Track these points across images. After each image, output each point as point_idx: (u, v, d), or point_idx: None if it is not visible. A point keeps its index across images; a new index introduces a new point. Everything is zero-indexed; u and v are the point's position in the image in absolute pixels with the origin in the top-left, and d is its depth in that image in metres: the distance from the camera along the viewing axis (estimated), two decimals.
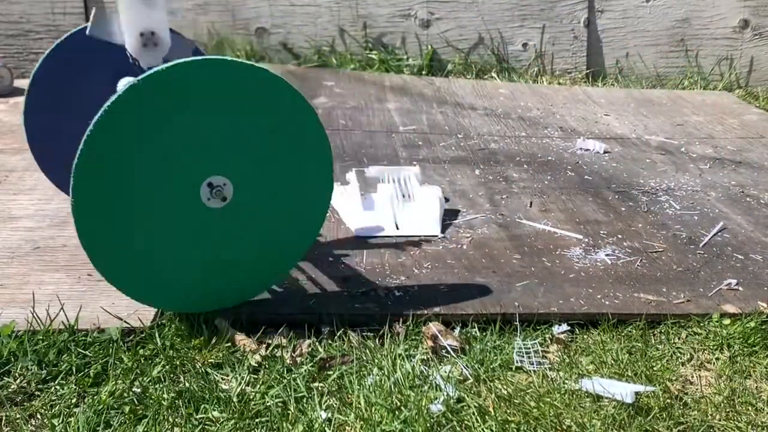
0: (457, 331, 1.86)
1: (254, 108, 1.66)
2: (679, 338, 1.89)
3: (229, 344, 1.77)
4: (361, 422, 1.54)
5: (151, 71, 1.57)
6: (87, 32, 1.92)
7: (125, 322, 1.79)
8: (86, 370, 1.67)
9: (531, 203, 2.54)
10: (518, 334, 1.85)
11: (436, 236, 2.27)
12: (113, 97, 1.55)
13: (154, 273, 1.71)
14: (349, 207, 2.36)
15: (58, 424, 1.52)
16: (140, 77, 1.56)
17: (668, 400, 1.64)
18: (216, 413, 1.56)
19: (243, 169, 1.69)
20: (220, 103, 1.63)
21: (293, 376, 1.67)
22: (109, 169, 1.58)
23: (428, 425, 1.53)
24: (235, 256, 1.76)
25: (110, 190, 1.60)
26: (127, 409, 1.56)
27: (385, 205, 2.35)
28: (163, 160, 1.62)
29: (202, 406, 1.58)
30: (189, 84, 1.59)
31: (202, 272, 1.75)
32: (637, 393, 1.64)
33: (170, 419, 1.54)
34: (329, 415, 1.56)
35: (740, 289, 2.06)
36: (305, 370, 1.69)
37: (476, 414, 1.56)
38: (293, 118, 1.70)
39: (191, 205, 1.67)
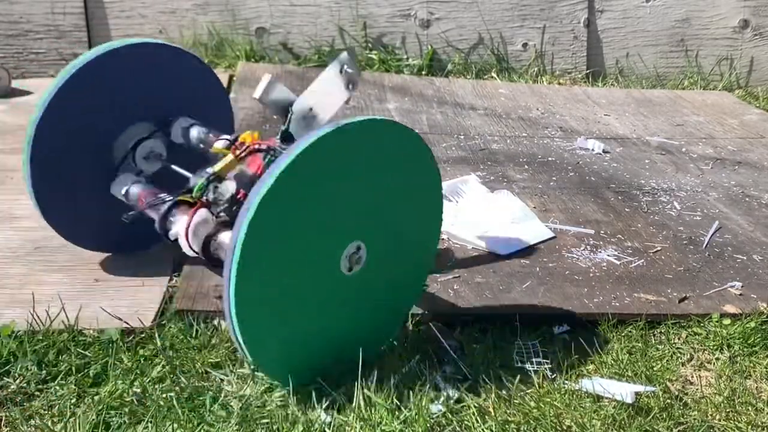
0: (457, 331, 1.86)
1: (399, 167, 1.63)
2: (679, 338, 1.89)
3: (229, 344, 1.77)
4: (361, 422, 1.54)
5: (315, 137, 1.47)
6: (255, 96, 1.80)
7: (125, 322, 1.79)
8: (86, 370, 1.67)
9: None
10: (518, 334, 1.85)
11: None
12: (283, 164, 1.44)
13: (298, 348, 1.60)
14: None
15: (58, 425, 1.52)
16: (306, 142, 1.46)
17: (668, 400, 1.64)
18: (216, 414, 1.56)
19: (377, 231, 1.62)
20: (373, 164, 1.58)
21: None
22: (274, 243, 1.47)
23: (428, 425, 1.53)
24: (364, 318, 1.68)
25: (272, 264, 1.49)
26: (127, 409, 1.56)
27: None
28: (316, 228, 1.53)
29: (203, 407, 1.58)
30: (354, 146, 1.54)
31: (337, 338, 1.64)
32: (637, 393, 1.64)
33: (170, 419, 1.54)
34: (329, 415, 1.56)
35: (741, 293, 2.05)
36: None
37: (476, 414, 1.56)
38: (422, 176, 1.68)
39: (331, 274, 1.58)
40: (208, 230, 1.68)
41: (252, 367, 1.60)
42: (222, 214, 1.71)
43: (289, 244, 1.49)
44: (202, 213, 1.70)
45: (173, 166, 1.91)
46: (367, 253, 1.60)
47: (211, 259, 1.70)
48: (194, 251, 1.70)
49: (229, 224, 1.68)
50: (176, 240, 1.73)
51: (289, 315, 1.55)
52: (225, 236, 1.67)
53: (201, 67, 2.09)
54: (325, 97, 1.80)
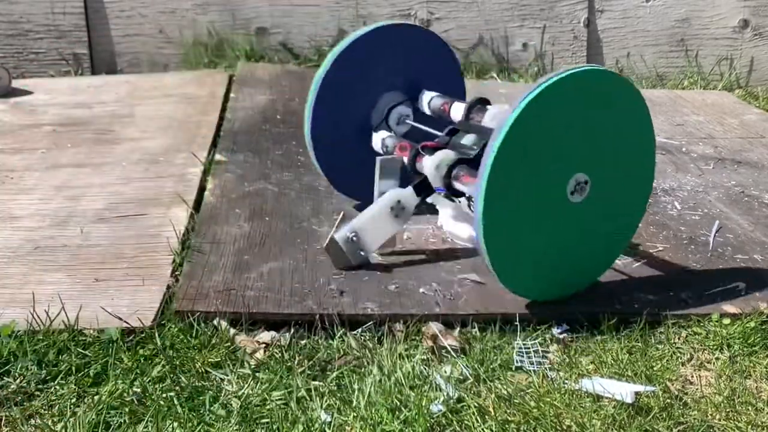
0: (457, 331, 1.86)
1: (618, 113, 1.89)
2: (679, 338, 1.89)
3: (229, 344, 1.77)
4: (361, 422, 1.54)
5: (540, 87, 1.79)
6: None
7: (125, 322, 1.79)
8: (86, 370, 1.68)
9: None
10: (518, 334, 1.85)
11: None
12: (516, 112, 1.77)
13: (534, 267, 1.89)
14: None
15: (58, 424, 1.52)
16: (532, 94, 1.80)
17: (668, 400, 1.65)
18: (216, 413, 1.56)
19: (599, 166, 1.88)
20: (594, 106, 1.85)
21: (293, 376, 1.67)
22: (515, 179, 1.78)
23: (428, 425, 1.53)
24: (589, 245, 1.94)
25: (513, 185, 1.79)
26: (127, 409, 1.56)
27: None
28: (543, 162, 1.80)
29: (203, 407, 1.58)
30: (580, 90, 1.83)
31: (565, 263, 1.92)
32: (637, 393, 1.64)
33: (170, 419, 1.54)
34: (329, 415, 1.56)
35: (743, 293, 2.05)
36: (305, 370, 1.69)
37: (476, 414, 1.56)
38: (636, 119, 1.93)
39: (559, 200, 1.85)
40: (450, 162, 2.02)
41: (495, 274, 1.85)
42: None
43: (527, 168, 1.78)
44: (447, 151, 2.06)
45: (420, 125, 2.30)
46: (590, 185, 1.86)
47: (451, 189, 2.04)
48: (437, 181, 2.05)
49: (466, 161, 2.02)
50: (423, 179, 2.08)
51: (525, 233, 1.83)
52: (464, 168, 2.01)
53: (443, 46, 2.45)
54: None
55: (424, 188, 2.08)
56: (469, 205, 2.04)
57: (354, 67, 2.29)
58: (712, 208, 2.57)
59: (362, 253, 2.06)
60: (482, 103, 2.18)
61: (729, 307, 1.97)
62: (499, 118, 1.95)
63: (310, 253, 2.13)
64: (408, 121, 2.34)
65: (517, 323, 1.87)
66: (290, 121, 3.19)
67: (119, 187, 2.53)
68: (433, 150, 2.07)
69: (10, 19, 3.83)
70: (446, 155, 2.04)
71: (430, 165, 2.04)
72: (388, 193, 2.08)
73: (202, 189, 2.51)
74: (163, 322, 1.82)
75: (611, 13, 4.20)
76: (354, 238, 2.05)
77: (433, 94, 2.33)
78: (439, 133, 2.14)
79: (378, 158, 2.13)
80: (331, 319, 1.85)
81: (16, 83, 3.54)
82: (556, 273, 1.92)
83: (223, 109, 3.29)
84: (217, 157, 2.75)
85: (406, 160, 2.13)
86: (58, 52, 3.88)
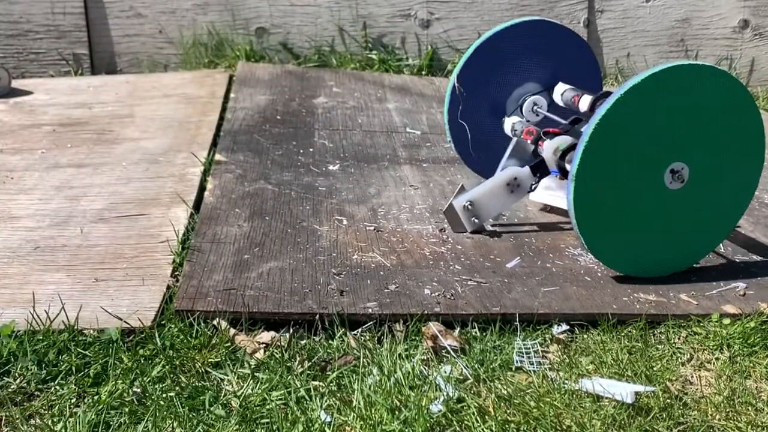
0: (457, 331, 1.86)
1: (710, 102, 1.99)
2: (679, 338, 1.89)
3: (229, 344, 1.77)
4: (361, 422, 1.54)
5: (647, 73, 1.93)
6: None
7: (125, 322, 1.79)
8: (86, 370, 1.68)
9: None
10: (518, 334, 1.85)
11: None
12: (607, 105, 1.93)
13: (628, 245, 2.05)
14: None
15: (58, 424, 1.52)
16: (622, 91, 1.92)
17: (668, 400, 1.65)
18: (216, 413, 1.56)
19: (699, 158, 2.02)
20: (685, 100, 1.97)
21: (293, 376, 1.67)
22: (603, 167, 1.96)
23: (428, 425, 1.53)
24: (687, 228, 2.08)
25: (602, 180, 1.97)
26: (127, 409, 1.56)
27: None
28: (639, 151, 1.97)
29: (203, 407, 1.58)
30: (678, 84, 1.96)
31: (662, 243, 2.07)
32: (637, 393, 1.64)
33: (170, 419, 1.54)
34: (329, 415, 1.56)
35: (744, 293, 2.05)
36: (305, 370, 1.69)
37: (476, 414, 1.56)
38: (738, 109, 2.03)
39: (657, 188, 2.01)
40: (565, 146, 2.21)
41: (587, 249, 2.05)
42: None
43: (621, 153, 1.96)
44: (565, 137, 2.25)
45: (550, 115, 2.47)
46: (689, 174, 2.01)
47: (564, 171, 2.21)
48: (553, 163, 2.25)
49: None
50: (541, 161, 2.29)
51: (616, 211, 2.00)
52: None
53: (579, 41, 2.64)
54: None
55: (540, 169, 2.28)
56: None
57: (492, 58, 2.50)
58: None
59: (476, 220, 2.28)
60: (607, 96, 2.29)
61: (729, 307, 1.97)
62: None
63: (310, 252, 2.13)
64: (540, 111, 2.51)
65: (517, 323, 1.87)
66: (290, 121, 3.19)
67: (119, 187, 2.53)
68: (554, 135, 2.28)
69: (10, 19, 3.83)
70: (563, 140, 2.23)
71: (548, 148, 2.25)
72: (507, 170, 2.29)
73: (202, 189, 2.51)
74: (163, 322, 1.82)
75: (611, 13, 4.20)
76: (470, 206, 2.27)
77: (567, 86, 2.49)
78: (563, 121, 2.34)
79: (514, 138, 2.36)
80: (331, 318, 1.85)
81: (16, 83, 3.54)
82: (652, 252, 2.07)
83: (223, 109, 3.29)
84: (217, 157, 2.75)
85: (529, 143, 2.34)
86: (58, 52, 3.88)
